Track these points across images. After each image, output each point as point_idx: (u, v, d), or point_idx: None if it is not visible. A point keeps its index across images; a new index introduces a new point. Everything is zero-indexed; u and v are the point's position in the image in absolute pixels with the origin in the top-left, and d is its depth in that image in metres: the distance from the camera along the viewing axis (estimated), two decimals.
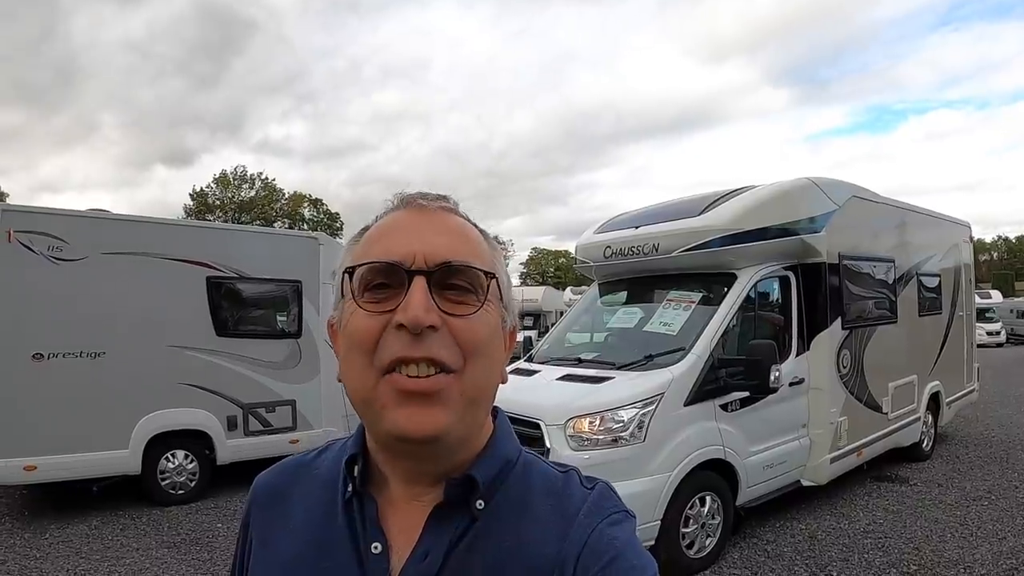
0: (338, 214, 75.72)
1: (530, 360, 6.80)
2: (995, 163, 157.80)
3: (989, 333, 31.27)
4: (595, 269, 7.14)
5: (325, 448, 1.12)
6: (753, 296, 6.15)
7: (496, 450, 0.99)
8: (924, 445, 8.83)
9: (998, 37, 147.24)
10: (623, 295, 7.04)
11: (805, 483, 6.61)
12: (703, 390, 5.49)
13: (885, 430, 7.70)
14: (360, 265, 0.89)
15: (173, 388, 7.26)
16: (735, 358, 5.72)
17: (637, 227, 6.67)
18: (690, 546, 5.43)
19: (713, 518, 5.59)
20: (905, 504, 7.08)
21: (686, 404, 5.38)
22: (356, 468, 0.95)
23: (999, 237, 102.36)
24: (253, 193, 67.66)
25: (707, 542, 5.56)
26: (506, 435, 1.03)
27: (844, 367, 6.84)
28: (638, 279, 6.86)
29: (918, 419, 8.47)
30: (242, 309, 8.01)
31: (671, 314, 6.05)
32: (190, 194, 65.92)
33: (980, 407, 12.58)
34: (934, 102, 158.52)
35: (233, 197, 65.72)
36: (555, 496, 0.97)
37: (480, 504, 0.92)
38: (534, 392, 5.83)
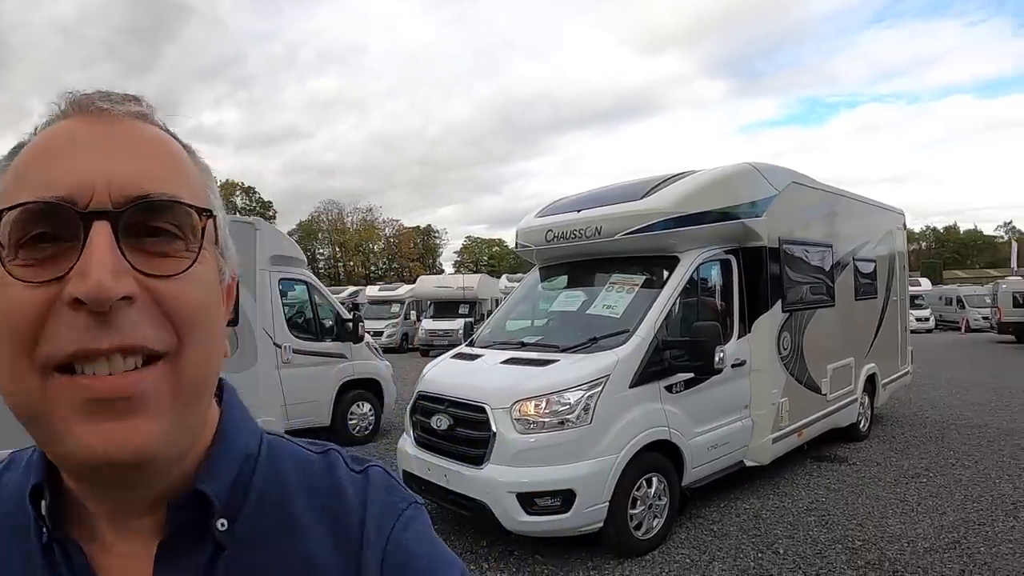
0: (271, 202, 75.26)
1: (471, 345, 6.76)
2: (924, 156, 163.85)
3: (919, 319, 32.40)
4: (536, 253, 7.14)
5: (6, 464, 0.77)
6: (696, 279, 6.22)
7: (228, 444, 0.73)
8: (861, 426, 9.08)
9: (931, 34, 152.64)
10: (565, 279, 7.04)
11: (748, 463, 6.73)
12: (648, 372, 5.53)
13: (824, 411, 7.89)
14: (6, 209, 0.58)
15: None
16: (679, 339, 5.77)
17: (579, 211, 6.68)
18: (638, 527, 5.46)
19: (660, 499, 5.63)
20: (846, 482, 7.25)
21: (631, 386, 5.41)
22: (44, 504, 0.66)
23: (927, 227, 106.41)
24: None
25: (655, 523, 5.59)
26: (239, 418, 0.78)
27: (784, 349, 6.98)
28: (580, 263, 6.87)
29: (855, 400, 8.71)
30: None
31: (614, 297, 6.08)
32: None
33: (913, 390, 12.99)
34: (866, 96, 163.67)
35: None
36: (321, 493, 0.75)
37: (223, 524, 0.67)
38: (478, 376, 5.81)
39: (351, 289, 34.41)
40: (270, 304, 8.50)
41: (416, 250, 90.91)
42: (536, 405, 5.19)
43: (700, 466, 6.06)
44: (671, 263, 6.13)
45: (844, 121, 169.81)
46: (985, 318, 31.73)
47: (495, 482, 5.13)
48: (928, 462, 7.99)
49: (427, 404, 5.94)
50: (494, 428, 5.21)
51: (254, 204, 72.25)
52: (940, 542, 5.53)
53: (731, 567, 5.21)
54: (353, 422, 9.67)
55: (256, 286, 8.18)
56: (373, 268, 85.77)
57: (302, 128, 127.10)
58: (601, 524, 5.21)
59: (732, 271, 6.60)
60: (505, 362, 5.84)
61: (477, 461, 5.30)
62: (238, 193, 72.00)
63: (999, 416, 10.65)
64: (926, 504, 6.49)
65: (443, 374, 6.20)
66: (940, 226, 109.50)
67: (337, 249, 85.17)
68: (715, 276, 6.57)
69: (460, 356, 6.48)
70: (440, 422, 5.64)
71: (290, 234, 78.74)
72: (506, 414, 5.21)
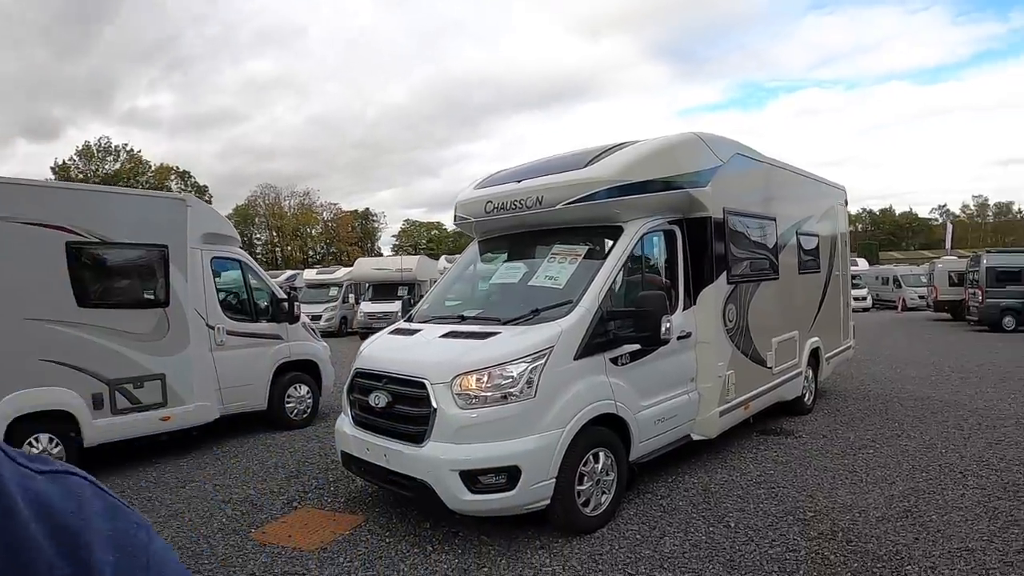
0: (207, 187, 73.85)
1: (410, 320, 6.52)
2: (862, 141, 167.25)
3: (857, 298, 33.02)
4: (475, 225, 6.92)
5: None
6: (640, 249, 6.08)
7: None
8: (806, 399, 9.12)
9: (872, 21, 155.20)
10: (505, 251, 6.85)
11: (695, 437, 6.65)
12: (593, 343, 5.37)
13: (770, 384, 7.87)
14: None
15: (33, 366, 6.56)
16: (625, 310, 5.63)
17: (520, 181, 6.48)
18: (586, 504, 5.32)
19: (607, 474, 5.50)
20: (793, 455, 7.24)
21: (576, 358, 5.25)
22: None
23: (864, 210, 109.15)
24: (118, 166, 65.15)
25: (603, 499, 5.46)
26: None
27: (730, 321, 6.91)
28: (521, 234, 6.67)
29: (800, 373, 8.72)
30: (105, 277, 7.38)
31: (556, 268, 5.90)
32: (52, 168, 63.39)
33: (855, 365, 13.18)
34: (806, 81, 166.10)
35: (97, 170, 63.15)
36: None
37: None
38: (416, 351, 5.60)
39: (288, 273, 33.82)
40: (202, 284, 8.18)
41: (354, 234, 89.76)
42: (478, 379, 5.00)
43: (647, 440, 5.94)
44: (614, 233, 5.97)
45: (784, 105, 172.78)
46: (921, 297, 32.70)
47: (437, 460, 4.94)
48: (874, 434, 8.04)
49: (365, 382, 5.72)
50: (434, 404, 5.01)
51: (190, 189, 70.73)
52: (892, 511, 5.52)
53: (682, 542, 5.11)
54: (291, 405, 9.38)
55: (187, 265, 7.86)
56: (311, 252, 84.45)
57: (239, 111, 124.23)
58: (548, 501, 5.06)
59: (677, 242, 6.48)
60: (444, 336, 5.63)
61: (418, 439, 5.10)
62: (173, 178, 70.50)
63: (940, 389, 10.83)
64: (875, 474, 6.49)
65: (381, 350, 5.97)
66: (876, 209, 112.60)
67: (274, 233, 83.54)
68: (660, 246, 6.44)
69: (398, 332, 6.25)
70: (378, 400, 5.42)
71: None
72: (447, 389, 5.01)
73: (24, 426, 6.54)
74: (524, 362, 5.00)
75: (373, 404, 5.47)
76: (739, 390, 7.04)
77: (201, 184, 72.61)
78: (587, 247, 6.02)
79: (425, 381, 5.12)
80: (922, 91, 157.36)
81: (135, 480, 7.05)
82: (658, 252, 6.45)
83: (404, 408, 5.29)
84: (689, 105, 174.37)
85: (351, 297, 28.32)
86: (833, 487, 6.18)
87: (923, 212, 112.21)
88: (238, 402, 8.62)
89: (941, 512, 5.44)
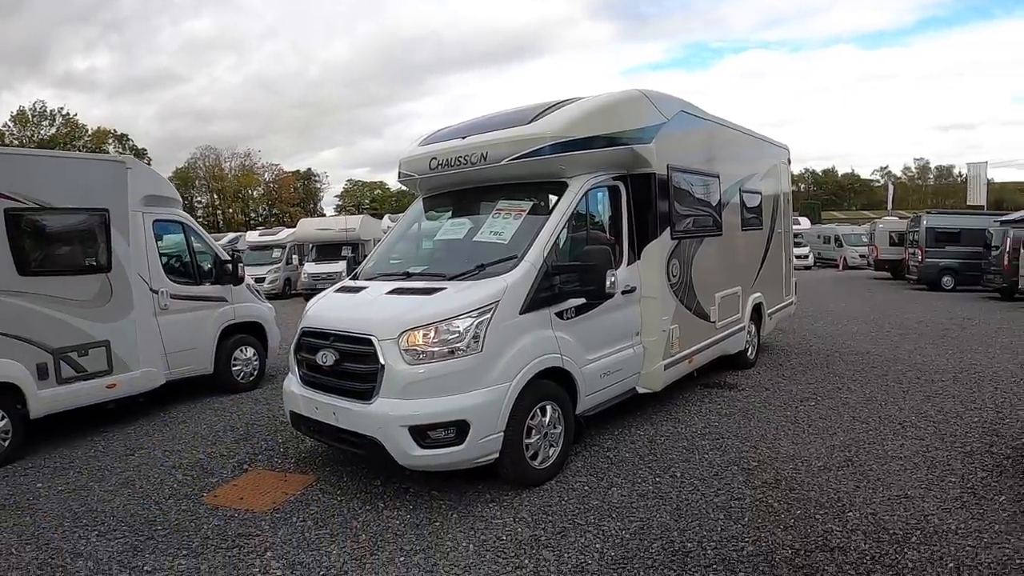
0: (145, 150, 72.19)
1: (355, 278, 6.51)
2: (806, 103, 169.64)
3: (798, 257, 33.76)
4: (419, 182, 6.88)
5: None
6: (585, 205, 6.13)
7: None
8: (749, 353, 9.36)
9: None
10: (450, 208, 6.85)
11: (641, 390, 6.79)
12: (538, 298, 5.43)
13: (713, 338, 8.06)
14: None
15: None
16: (570, 264, 5.69)
17: (464, 137, 6.44)
18: (534, 457, 5.42)
19: (555, 427, 5.60)
20: (737, 407, 7.46)
21: (522, 312, 5.30)
22: None
23: (807, 170, 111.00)
24: (54, 131, 63.31)
25: (551, 452, 5.57)
26: None
27: (674, 276, 7.03)
28: (465, 191, 6.66)
29: (743, 328, 8.94)
30: (46, 244, 7.19)
31: (501, 223, 5.92)
32: None
33: (797, 321, 13.54)
34: (751, 42, 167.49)
35: (32, 136, 61.15)
36: None
37: None
38: (363, 308, 5.60)
39: (231, 235, 33.09)
40: (144, 248, 8.02)
41: (296, 195, 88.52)
42: (425, 335, 5.03)
43: (593, 393, 6.05)
44: (559, 188, 6.00)
45: (729, 66, 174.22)
46: (862, 256, 33.54)
47: (386, 416, 4.97)
48: (815, 387, 8.30)
49: (312, 340, 5.70)
50: (382, 360, 5.02)
51: (128, 152, 69.12)
52: (833, 461, 5.73)
53: (630, 492, 5.25)
54: (237, 368, 9.30)
55: (130, 228, 7.71)
56: (253, 214, 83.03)
57: (178, 72, 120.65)
58: (497, 455, 5.14)
59: (621, 197, 6.54)
60: (391, 292, 5.63)
61: (366, 396, 5.12)
62: (111, 141, 68.79)
63: (880, 345, 11.19)
64: (816, 426, 6.72)
65: (327, 308, 5.95)
66: (819, 169, 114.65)
67: (215, 196, 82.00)
68: (604, 202, 6.49)
69: (344, 290, 6.23)
70: (326, 358, 5.42)
71: None
72: (394, 345, 5.02)
73: None
74: (470, 317, 5.04)
75: (321, 362, 5.46)
76: (683, 344, 7.20)
77: (140, 147, 70.90)
78: (532, 203, 6.03)
79: (372, 338, 5.12)
80: (867, 55, 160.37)
81: (84, 450, 6.94)
82: (603, 208, 6.50)
83: (352, 365, 5.30)
84: (633, 64, 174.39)
85: (295, 258, 27.90)
86: (776, 438, 6.39)
87: (865, 174, 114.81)
88: (184, 367, 8.52)
89: (881, 462, 5.66)
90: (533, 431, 5.39)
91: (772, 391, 8.17)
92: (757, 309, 9.62)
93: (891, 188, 50.60)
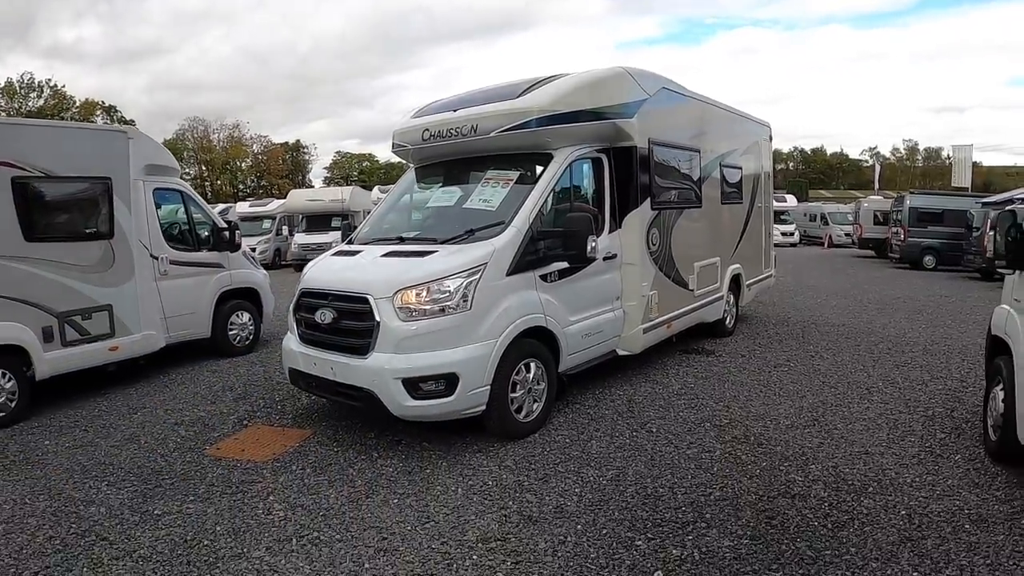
0: (134, 121, 71.36)
1: (351, 243, 6.87)
2: (798, 82, 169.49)
3: (784, 234, 34.33)
4: (412, 153, 7.20)
5: None
6: (569, 175, 6.48)
7: None
8: (727, 322, 9.79)
9: None
10: (441, 178, 7.16)
11: (621, 352, 7.18)
12: (524, 261, 5.79)
13: (692, 306, 8.46)
14: None
15: None
16: (554, 230, 6.04)
17: (456, 110, 6.77)
18: (519, 410, 5.81)
19: (538, 384, 5.97)
20: (712, 371, 7.87)
21: (508, 274, 5.66)
22: None
23: (796, 148, 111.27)
24: (42, 102, 62.62)
25: (535, 407, 5.96)
26: None
27: (653, 245, 7.40)
28: (456, 161, 6.98)
29: (721, 298, 9.35)
30: (51, 211, 7.39)
31: (490, 191, 6.26)
32: None
33: (777, 294, 13.97)
34: (745, 19, 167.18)
35: (20, 107, 60.50)
36: None
37: None
38: (359, 270, 5.95)
39: (221, 207, 33.03)
40: (145, 215, 8.27)
41: (285, 166, 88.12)
42: (417, 294, 5.38)
43: (575, 353, 6.43)
44: (545, 159, 6.34)
45: (722, 42, 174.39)
46: (847, 234, 33.96)
47: (381, 370, 5.32)
48: (790, 355, 8.73)
49: (310, 300, 6.03)
50: (378, 317, 5.38)
51: (116, 123, 68.52)
52: (800, 420, 6.14)
53: (608, 444, 5.64)
54: (233, 332, 9.60)
55: (131, 196, 7.96)
56: (241, 186, 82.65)
57: (167, 43, 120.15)
58: (484, 407, 5.51)
59: (604, 169, 6.89)
60: (386, 255, 5.97)
61: (362, 351, 5.47)
62: (99, 113, 68.14)
63: (857, 319, 11.60)
64: (787, 389, 7.14)
65: (325, 270, 6.29)
66: (808, 148, 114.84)
67: (204, 168, 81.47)
68: (588, 173, 6.83)
69: (341, 253, 6.58)
70: (324, 316, 5.76)
71: None
72: (389, 303, 5.38)
73: None
74: (460, 277, 5.39)
75: (319, 321, 5.80)
76: (662, 310, 7.59)
77: (128, 119, 70.22)
78: (519, 172, 6.35)
79: (369, 296, 5.47)
80: (861, 35, 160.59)
81: (87, 410, 7.18)
82: (586, 178, 6.84)
83: (349, 323, 5.64)
84: (626, 38, 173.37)
85: (284, 229, 27.99)
86: (748, 399, 6.80)
87: (854, 154, 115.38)
88: (183, 331, 8.80)
89: (846, 422, 6.06)
90: (518, 386, 5.77)
91: (747, 357, 8.58)
92: (736, 280, 10.02)
93: (878, 168, 51.00)
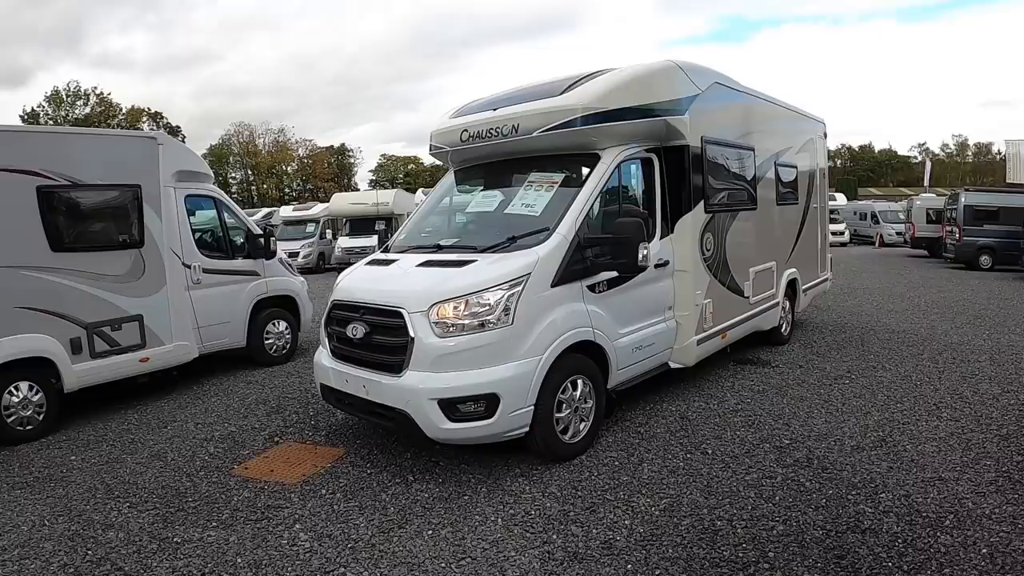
0: (179, 127, 72.77)
1: (386, 251, 6.43)
2: (843, 77, 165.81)
3: (834, 233, 33.00)
4: (451, 155, 6.76)
5: None
6: (617, 177, 5.98)
7: None
8: (783, 329, 9.18)
9: None
10: (481, 181, 6.72)
11: (673, 365, 6.68)
12: (570, 270, 5.32)
13: (747, 313, 7.91)
14: None
15: (8, 313, 6.43)
16: (602, 237, 5.56)
17: (495, 109, 6.33)
18: (565, 431, 5.34)
19: (586, 402, 5.50)
20: (770, 384, 7.31)
21: (553, 285, 5.20)
22: None
23: (843, 146, 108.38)
24: (88, 110, 63.83)
25: (581, 427, 5.49)
26: None
27: (707, 250, 6.88)
28: (496, 163, 6.54)
29: (777, 304, 8.76)
30: (78, 220, 7.17)
31: (533, 195, 5.80)
32: (20, 116, 62.13)
33: (831, 298, 13.29)
34: (790, 16, 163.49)
35: (67, 115, 61.91)
36: None
37: None
38: (393, 280, 5.54)
39: (265, 211, 33.17)
40: (177, 223, 8.02)
41: (330, 170, 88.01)
42: (455, 307, 4.95)
43: (625, 368, 5.95)
44: (591, 160, 5.86)
45: (766, 39, 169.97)
46: (899, 233, 32.74)
47: (415, 389, 4.91)
48: (850, 365, 8.10)
49: (342, 313, 5.65)
50: (412, 333, 4.96)
51: (162, 130, 69.63)
52: (866, 440, 5.58)
53: (660, 468, 5.16)
54: (270, 342, 9.32)
55: (162, 204, 7.71)
56: (287, 190, 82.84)
57: (214, 50, 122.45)
58: (527, 429, 5.06)
59: (654, 170, 6.38)
60: (421, 265, 5.55)
61: (396, 369, 5.06)
62: (145, 119, 69.29)
63: (916, 324, 10.87)
64: (850, 405, 6.55)
65: (358, 281, 5.89)
66: (856, 145, 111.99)
67: (249, 172, 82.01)
68: (637, 175, 6.33)
69: (375, 263, 6.17)
70: (356, 331, 5.36)
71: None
72: (424, 318, 4.95)
73: (4, 375, 6.44)
74: (501, 289, 4.94)
75: (351, 335, 5.41)
76: (716, 319, 7.06)
77: (174, 125, 71.45)
78: (563, 175, 5.90)
79: (402, 310, 5.06)
80: (907, 29, 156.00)
81: (117, 423, 6.98)
82: (636, 180, 6.34)
83: (382, 338, 5.24)
84: (673, 37, 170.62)
85: (328, 233, 27.88)
86: (809, 416, 6.23)
87: (903, 150, 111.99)
88: (217, 340, 8.56)
89: (915, 443, 5.49)
90: (564, 405, 5.30)
91: (806, 368, 7.99)
92: (792, 285, 9.41)
93: (928, 164, 49.34)
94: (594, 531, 4.25)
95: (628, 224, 5.42)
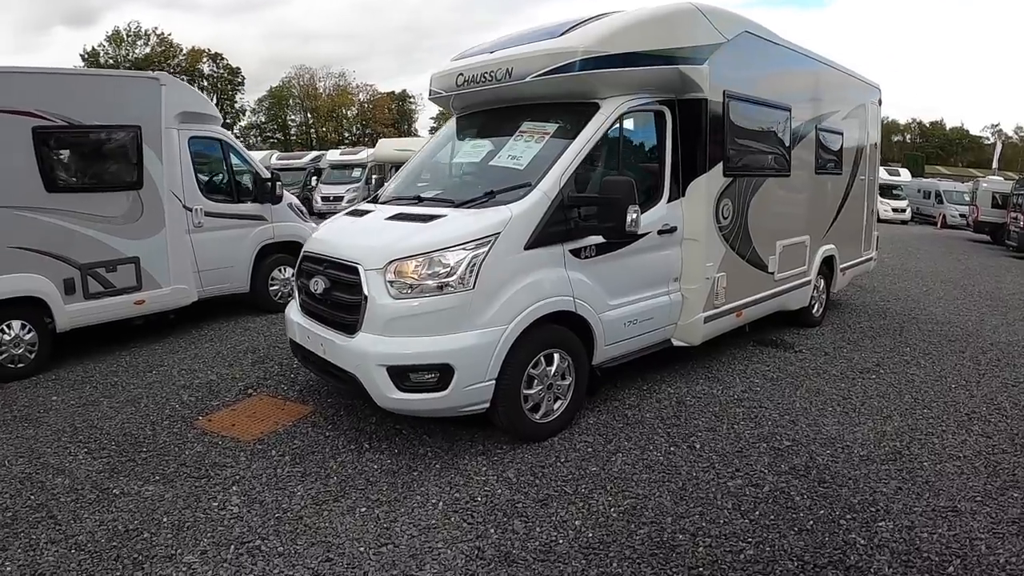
0: (239, 68, 71.78)
1: (374, 201, 5.73)
2: (917, 49, 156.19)
3: (895, 210, 30.90)
4: (451, 100, 6.02)
5: None
6: (618, 130, 5.13)
7: None
8: (814, 311, 8.18)
9: None
10: (476, 129, 5.97)
11: (676, 343, 5.86)
12: (548, 232, 4.55)
13: (770, 291, 6.97)
14: None
15: (2, 253, 6.16)
16: (588, 196, 4.75)
17: (493, 52, 5.55)
18: (535, 409, 4.65)
19: (563, 378, 4.79)
20: (787, 371, 6.41)
21: (527, 247, 4.45)
22: None
23: (913, 120, 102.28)
24: (148, 50, 63.40)
25: (556, 405, 4.79)
26: None
27: (724, 218, 5.99)
28: (493, 112, 5.76)
29: (808, 283, 7.77)
30: (75, 161, 6.82)
31: (522, 147, 5.02)
32: (81, 55, 61.68)
33: (878, 278, 12.10)
34: None
35: (127, 55, 61.58)
36: None
37: None
38: (357, 234, 4.92)
39: (312, 154, 32.66)
40: (179, 165, 7.54)
41: (391, 116, 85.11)
42: (416, 266, 4.26)
43: (615, 343, 5.18)
44: (590, 110, 5.04)
45: (845, 5, 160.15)
46: (962, 215, 30.40)
47: (365, 353, 4.29)
48: (881, 356, 7.09)
49: (309, 266, 5.05)
50: (366, 291, 4.31)
51: (221, 71, 69.01)
52: (879, 451, 4.69)
53: (636, 460, 4.45)
54: (275, 288, 8.83)
55: (163, 145, 7.24)
56: (347, 134, 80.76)
57: None
58: (487, 405, 4.40)
59: (665, 125, 5.50)
60: (391, 218, 4.86)
61: (350, 329, 4.45)
62: (205, 60, 68.42)
63: (965, 317, 9.54)
64: (870, 405, 5.63)
65: (328, 232, 5.27)
66: (927, 121, 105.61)
67: (309, 115, 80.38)
68: (643, 128, 5.50)
69: (353, 213, 5.51)
70: (317, 285, 4.75)
71: (260, 101, 74.21)
72: (379, 276, 4.29)
73: None
74: (464, 249, 4.23)
75: (313, 289, 4.80)
76: (731, 295, 6.18)
77: (234, 66, 70.49)
78: (557, 125, 5.11)
79: (358, 266, 4.41)
80: (994, 4, 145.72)
81: (107, 365, 6.69)
82: (641, 135, 5.51)
83: (340, 295, 4.61)
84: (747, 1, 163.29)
85: (374, 178, 27.38)
86: (821, 414, 5.36)
87: (975, 130, 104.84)
88: (218, 285, 8.10)
89: (934, 460, 4.57)
90: (535, 381, 4.60)
91: (831, 356, 7.02)
92: (828, 262, 8.36)
93: (999, 146, 46.02)
94: (537, 530, 3.60)
95: (617, 183, 4.59)
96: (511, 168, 4.91)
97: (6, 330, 6.26)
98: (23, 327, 6.36)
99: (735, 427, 5.04)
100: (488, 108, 5.83)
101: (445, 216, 4.57)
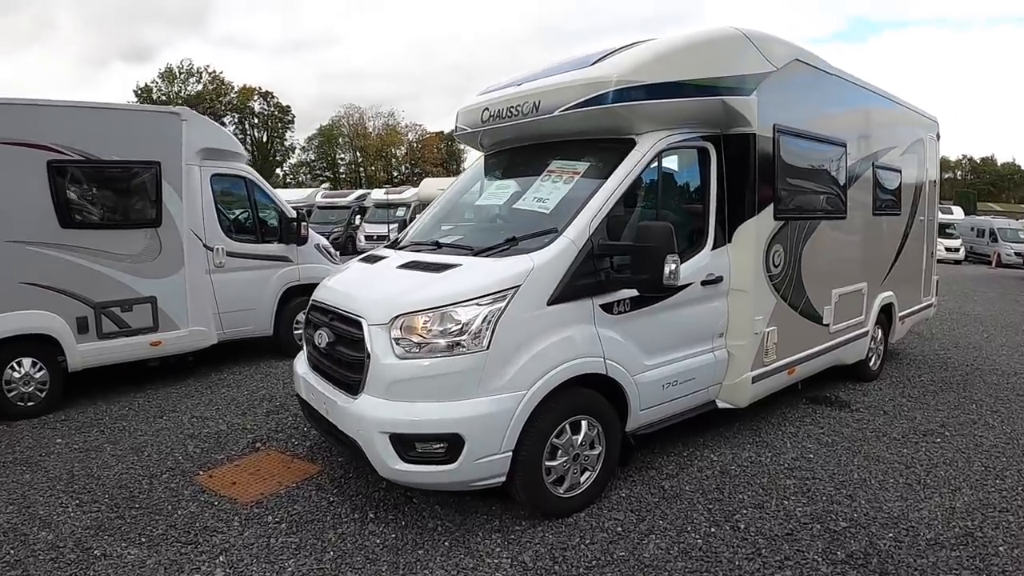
0: (289, 107, 72.14)
1: (393, 246, 5.21)
2: (966, 84, 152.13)
3: (948, 249, 29.32)
4: (479, 137, 5.50)
5: None
6: (657, 170, 4.53)
7: None
8: (871, 364, 7.37)
9: None
10: (503, 169, 5.42)
11: (721, 405, 5.16)
12: (576, 284, 3.95)
13: (824, 345, 6.20)
14: None
15: (14, 288, 5.91)
16: (621, 244, 4.14)
17: (520, 84, 5.02)
18: (559, 482, 4.02)
19: (592, 448, 4.15)
20: (843, 435, 5.64)
21: (551, 302, 3.85)
22: None
23: (964, 156, 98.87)
24: (200, 87, 64.24)
25: (583, 478, 4.15)
26: None
27: (775, 266, 5.31)
28: (521, 149, 5.21)
29: (866, 333, 6.97)
30: (91, 197, 6.50)
31: (549, 188, 4.45)
32: (134, 90, 62.56)
33: (936, 323, 11.14)
34: (914, 19, 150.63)
35: (179, 92, 62.52)
36: None
37: None
38: (365, 284, 4.38)
39: (357, 192, 32.65)
40: (200, 203, 7.22)
41: (439, 155, 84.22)
42: (425, 322, 3.71)
43: (652, 408, 4.52)
44: (625, 147, 4.44)
45: (887, 42, 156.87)
46: (1018, 254, 28.82)
47: (365, 418, 3.74)
48: (945, 416, 6.26)
49: (316, 316, 4.53)
50: (369, 349, 3.76)
51: (272, 109, 69.43)
52: (949, 533, 3.94)
53: (671, 545, 3.78)
54: (299, 331, 8.26)
55: (183, 182, 6.92)
56: (395, 173, 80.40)
57: (335, 33, 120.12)
58: (502, 479, 3.78)
59: (710, 163, 4.88)
60: (402, 266, 4.33)
61: (353, 389, 3.90)
62: (256, 98, 68.94)
63: None
64: (936, 474, 4.85)
65: (338, 280, 4.75)
66: (978, 157, 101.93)
67: (358, 154, 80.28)
68: (684, 167, 4.88)
69: (367, 259, 4.98)
70: (321, 338, 4.23)
71: (310, 140, 75.89)
72: (384, 332, 3.74)
73: (7, 350, 5.98)
74: (478, 305, 3.66)
75: (317, 343, 4.28)
76: (782, 351, 5.47)
77: (284, 104, 71.06)
78: (588, 164, 4.52)
79: (362, 320, 3.87)
80: None
81: (119, 407, 6.35)
82: (682, 175, 4.90)
83: (343, 351, 4.08)
84: (794, 36, 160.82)
85: (418, 217, 27.11)
86: (881, 487, 4.61)
87: None
88: (240, 327, 7.70)
89: (1012, 542, 3.83)
90: (559, 451, 3.98)
91: (891, 416, 6.21)
92: (886, 311, 7.56)
93: None
94: None
95: (654, 229, 3.95)
96: (536, 211, 4.33)
97: (16, 367, 6.04)
98: (34, 365, 6.12)
99: (785, 503, 4.32)
100: (516, 145, 5.28)
101: (460, 266, 4.01)
